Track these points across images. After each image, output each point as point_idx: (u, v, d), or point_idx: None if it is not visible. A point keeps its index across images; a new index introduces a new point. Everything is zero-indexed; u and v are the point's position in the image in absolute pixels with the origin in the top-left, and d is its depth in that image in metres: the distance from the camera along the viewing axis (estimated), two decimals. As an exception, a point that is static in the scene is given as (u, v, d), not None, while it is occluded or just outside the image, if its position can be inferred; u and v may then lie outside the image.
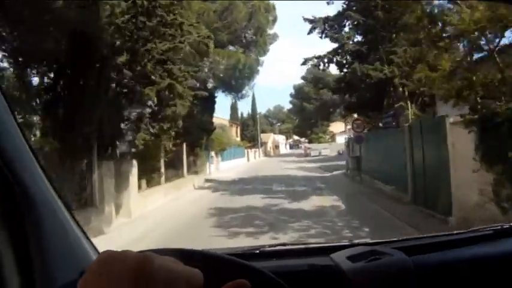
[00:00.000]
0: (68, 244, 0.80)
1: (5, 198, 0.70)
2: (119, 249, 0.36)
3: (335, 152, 43.64)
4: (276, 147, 73.58)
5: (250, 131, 52.12)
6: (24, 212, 0.71)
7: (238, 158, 35.19)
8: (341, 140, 52.58)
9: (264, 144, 59.04)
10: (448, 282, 0.96)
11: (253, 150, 44.84)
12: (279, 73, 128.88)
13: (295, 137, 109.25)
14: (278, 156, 51.17)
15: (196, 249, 0.65)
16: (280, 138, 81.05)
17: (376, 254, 0.97)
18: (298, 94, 55.23)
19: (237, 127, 48.71)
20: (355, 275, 0.90)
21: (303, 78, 52.56)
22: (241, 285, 0.38)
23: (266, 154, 57.26)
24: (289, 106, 63.70)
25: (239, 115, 56.08)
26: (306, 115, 55.49)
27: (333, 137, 55.28)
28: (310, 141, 53.49)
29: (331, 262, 0.97)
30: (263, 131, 77.84)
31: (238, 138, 47.44)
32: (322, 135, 52.42)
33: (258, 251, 1.07)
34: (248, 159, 39.76)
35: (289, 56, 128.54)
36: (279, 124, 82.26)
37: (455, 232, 1.25)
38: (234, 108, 55.54)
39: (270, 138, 66.72)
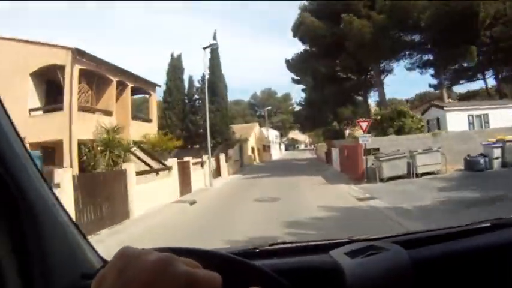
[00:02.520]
0: (68, 247, 0.81)
1: (5, 202, 0.70)
2: None
3: (459, 162, 13.27)
4: (265, 148, 43.40)
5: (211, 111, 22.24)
6: (23, 216, 0.72)
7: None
8: (456, 124, 17.50)
9: (241, 142, 29.31)
10: (445, 273, 0.97)
11: (188, 163, 14.74)
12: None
13: (291, 135, 79.57)
14: (267, 174, 21.44)
15: (210, 250, 0.67)
16: (272, 134, 50.88)
17: (374, 249, 0.98)
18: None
19: (149, 97, 19.11)
20: (353, 271, 0.91)
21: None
22: None
23: (242, 164, 27.61)
24: (286, 86, 32.93)
25: (185, 80, 26.93)
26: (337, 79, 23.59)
27: (434, 114, 19.81)
28: (373, 132, 17.85)
29: (331, 259, 0.98)
30: (246, 122, 47.90)
31: (153, 131, 18.05)
32: (410, 117, 17.97)
33: (257, 250, 1.06)
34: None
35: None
36: (269, 108, 51.76)
37: (452, 226, 1.21)
38: (175, 66, 25.97)
39: (252, 131, 36.71)
